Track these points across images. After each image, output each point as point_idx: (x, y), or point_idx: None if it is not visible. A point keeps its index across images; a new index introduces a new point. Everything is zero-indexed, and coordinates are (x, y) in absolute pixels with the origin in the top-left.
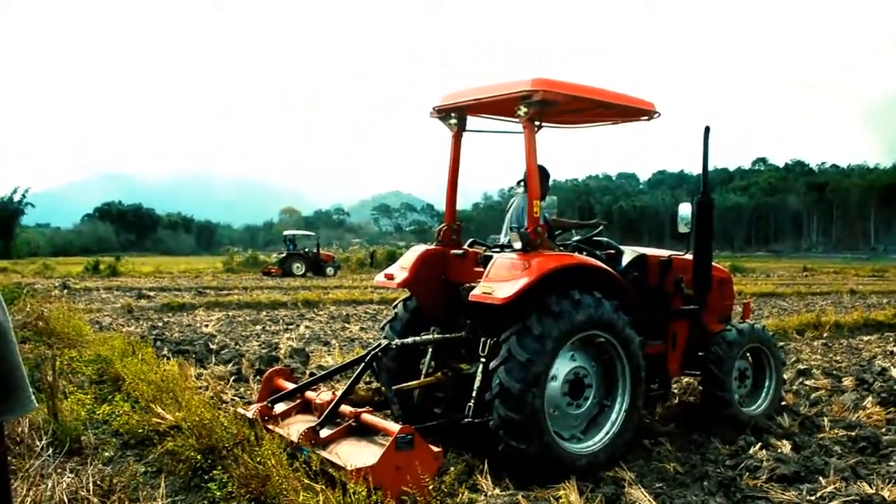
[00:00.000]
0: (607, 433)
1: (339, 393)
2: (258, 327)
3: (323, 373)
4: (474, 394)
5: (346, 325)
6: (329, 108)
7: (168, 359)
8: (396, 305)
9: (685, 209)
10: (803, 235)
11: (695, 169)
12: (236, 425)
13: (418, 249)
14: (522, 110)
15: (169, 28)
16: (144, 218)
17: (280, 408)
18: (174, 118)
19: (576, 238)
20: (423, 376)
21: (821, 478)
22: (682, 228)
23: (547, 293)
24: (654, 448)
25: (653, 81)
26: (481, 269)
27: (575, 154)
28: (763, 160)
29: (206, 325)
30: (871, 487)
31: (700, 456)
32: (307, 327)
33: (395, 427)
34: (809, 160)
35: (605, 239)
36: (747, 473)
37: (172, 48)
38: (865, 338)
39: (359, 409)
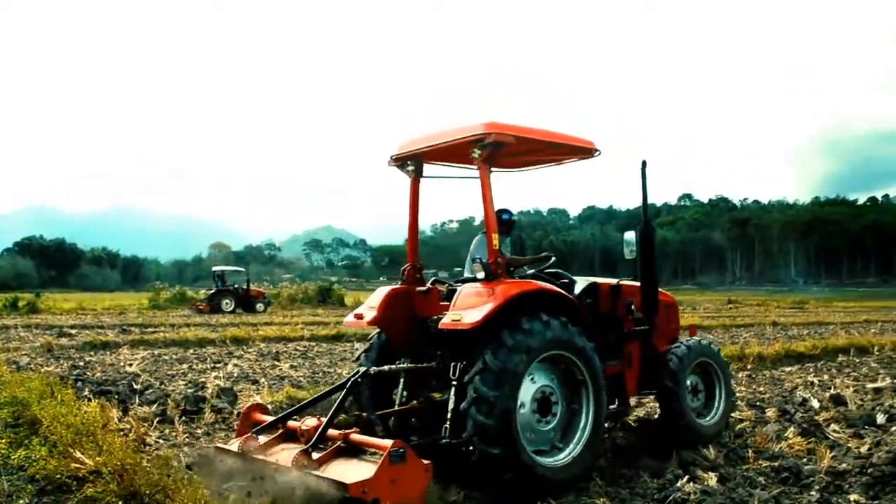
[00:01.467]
0: (576, 447)
1: (323, 419)
2: (185, 366)
3: (303, 402)
4: (449, 415)
5: (276, 363)
6: (262, 142)
7: (89, 400)
8: (371, 338)
9: (630, 236)
10: (727, 269)
11: (623, 204)
12: (160, 470)
13: (385, 289)
14: (477, 153)
15: (92, 56)
16: (67, 253)
17: (262, 439)
18: (102, 149)
19: (530, 272)
20: (396, 405)
21: None
22: (628, 255)
23: (514, 316)
24: (584, 484)
25: (585, 119)
26: (446, 303)
27: (507, 191)
28: (688, 196)
29: (131, 364)
30: None
31: (629, 490)
32: (236, 365)
33: (387, 443)
34: (732, 196)
35: (557, 270)
36: None
37: (99, 79)
38: (787, 369)
39: (346, 431)
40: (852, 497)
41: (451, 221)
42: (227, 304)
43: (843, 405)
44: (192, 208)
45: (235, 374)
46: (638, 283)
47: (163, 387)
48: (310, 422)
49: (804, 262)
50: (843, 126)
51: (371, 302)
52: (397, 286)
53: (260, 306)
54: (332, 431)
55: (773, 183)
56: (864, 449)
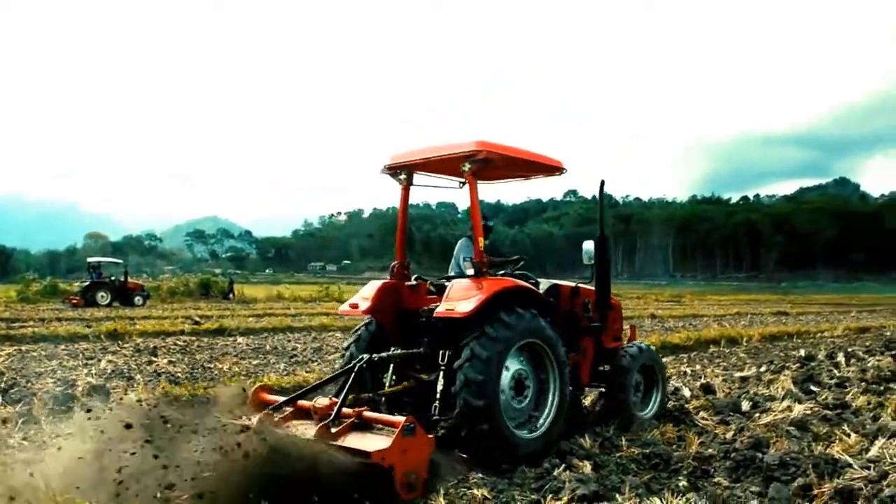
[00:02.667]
0: (545, 422)
1: (334, 399)
2: (54, 362)
3: (313, 384)
4: (438, 395)
5: (153, 359)
6: (143, 129)
7: None
8: (359, 329)
9: (589, 245)
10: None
11: (510, 199)
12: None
13: (377, 283)
14: (467, 167)
15: None
16: None
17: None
18: None
19: (503, 271)
20: (386, 387)
21: (617, 495)
22: (587, 261)
23: (496, 309)
24: (466, 475)
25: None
26: (433, 297)
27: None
28: (574, 192)
29: None
30: (662, 501)
31: (508, 480)
32: (110, 361)
33: (400, 418)
34: (616, 193)
35: (525, 272)
36: (551, 495)
37: None
38: (663, 360)
39: (359, 409)
40: (717, 479)
41: (339, 214)
42: (102, 296)
43: (712, 394)
44: (69, 196)
45: (109, 371)
46: (591, 287)
47: (29, 385)
48: (322, 401)
49: (682, 257)
50: (719, 130)
51: (365, 293)
52: (387, 280)
53: (138, 299)
54: (345, 409)
55: (656, 182)
56: (729, 435)
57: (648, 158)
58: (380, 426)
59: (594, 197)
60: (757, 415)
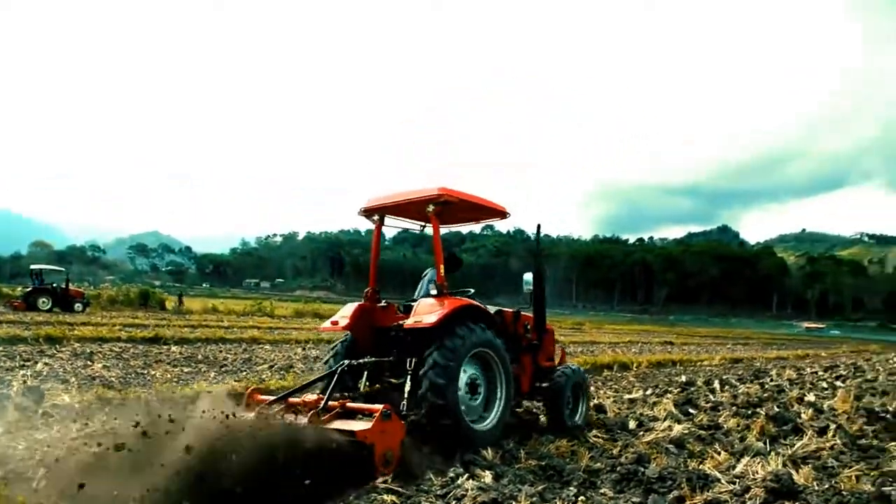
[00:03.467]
0: (494, 417)
1: (321, 395)
2: None
3: (301, 385)
4: (406, 395)
5: (90, 363)
6: (91, 144)
7: None
8: (336, 345)
9: (528, 276)
10: (521, 292)
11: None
12: None
13: (353, 305)
14: (431, 208)
15: None
16: None
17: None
18: None
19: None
20: (362, 389)
21: (514, 502)
22: (526, 290)
23: (454, 323)
24: (375, 482)
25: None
26: (402, 315)
27: (328, 210)
28: (490, 226)
29: None
30: None
31: (416, 487)
32: (46, 364)
33: (378, 406)
34: (527, 229)
35: (471, 297)
36: (455, 502)
37: None
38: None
39: (342, 401)
40: (603, 490)
41: (274, 235)
42: (43, 302)
43: (603, 413)
44: (17, 205)
45: (45, 374)
46: (530, 313)
47: None
48: (311, 396)
49: (585, 288)
50: (620, 177)
51: (344, 313)
52: (362, 303)
53: (78, 306)
54: (331, 402)
55: (564, 221)
56: (616, 451)
57: (556, 198)
58: (360, 415)
59: (509, 231)
60: (641, 433)
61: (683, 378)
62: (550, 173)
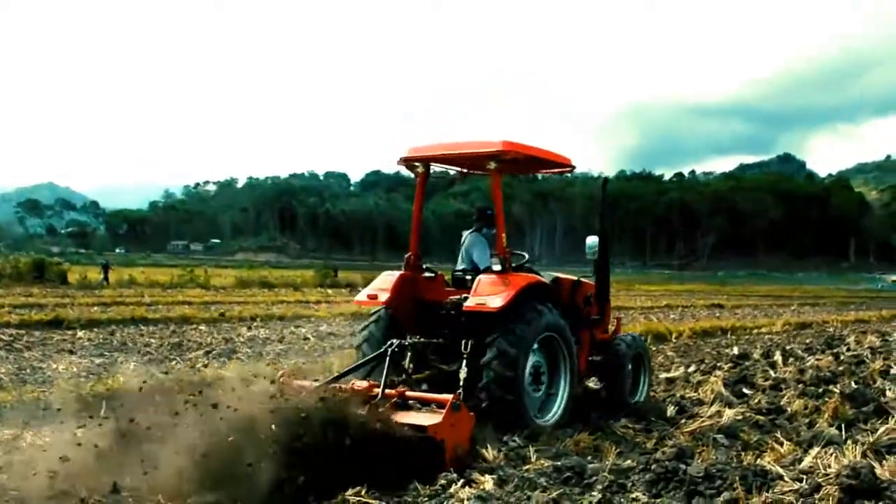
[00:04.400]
0: (558, 410)
1: (373, 382)
2: None
3: (347, 368)
4: (462, 384)
5: None
6: None
7: None
8: (369, 323)
9: (593, 241)
10: (526, 245)
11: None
12: None
13: (394, 275)
14: (493, 165)
15: None
16: None
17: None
18: None
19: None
20: (405, 374)
21: None
22: (590, 256)
23: (520, 304)
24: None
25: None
26: (452, 289)
27: (277, 148)
28: None
29: None
30: None
31: (398, 499)
32: None
33: (447, 396)
34: None
35: (529, 265)
36: None
37: None
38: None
39: (400, 389)
40: (634, 494)
41: (206, 183)
42: None
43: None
44: None
45: None
46: (590, 280)
47: None
48: (360, 383)
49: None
50: (650, 99)
51: (383, 285)
52: (403, 272)
53: None
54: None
55: (579, 154)
56: (650, 444)
57: (570, 127)
58: (418, 405)
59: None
60: (683, 421)
61: (736, 350)
62: (561, 91)
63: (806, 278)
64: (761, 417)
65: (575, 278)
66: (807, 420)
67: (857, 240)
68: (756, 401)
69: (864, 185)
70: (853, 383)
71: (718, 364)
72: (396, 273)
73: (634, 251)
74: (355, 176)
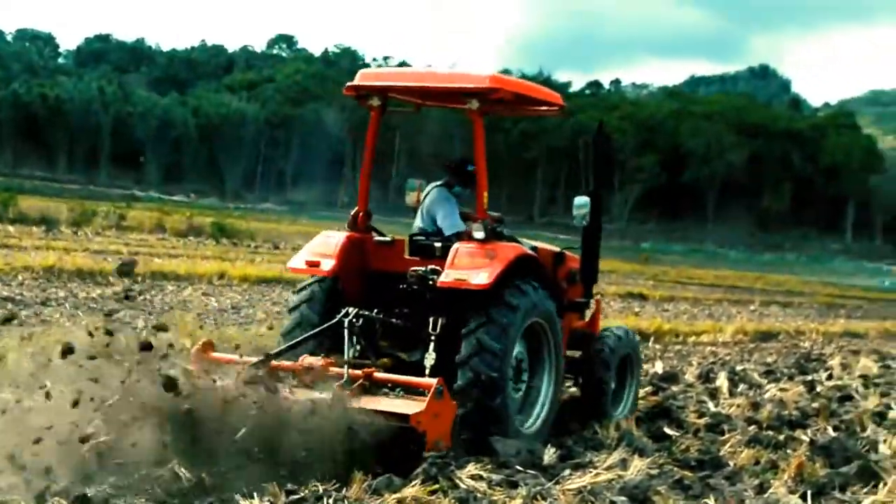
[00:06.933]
0: (540, 415)
1: (329, 359)
2: None
3: (290, 342)
4: (428, 373)
5: None
6: None
7: None
8: (306, 287)
9: (582, 200)
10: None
11: (130, 34)
12: None
13: (339, 236)
14: (475, 105)
15: None
16: None
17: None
18: None
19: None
20: (346, 355)
21: None
22: (578, 223)
23: (503, 283)
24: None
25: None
26: (415, 258)
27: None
28: (289, 39)
29: None
30: None
31: None
32: None
33: (429, 380)
34: (355, 45)
35: (501, 230)
36: None
37: None
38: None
39: (367, 370)
40: None
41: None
42: None
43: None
44: None
45: None
46: (577, 255)
47: None
48: (312, 360)
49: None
50: None
51: (325, 249)
52: (350, 233)
53: None
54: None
55: (446, 48)
56: None
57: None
58: (386, 389)
59: (326, 54)
60: (567, 473)
61: (659, 367)
62: None
63: (775, 262)
64: (688, 473)
65: (557, 249)
66: (756, 481)
67: (858, 208)
68: (682, 447)
69: (877, 124)
70: (831, 429)
71: None
72: (340, 234)
73: (514, 203)
74: (67, 42)
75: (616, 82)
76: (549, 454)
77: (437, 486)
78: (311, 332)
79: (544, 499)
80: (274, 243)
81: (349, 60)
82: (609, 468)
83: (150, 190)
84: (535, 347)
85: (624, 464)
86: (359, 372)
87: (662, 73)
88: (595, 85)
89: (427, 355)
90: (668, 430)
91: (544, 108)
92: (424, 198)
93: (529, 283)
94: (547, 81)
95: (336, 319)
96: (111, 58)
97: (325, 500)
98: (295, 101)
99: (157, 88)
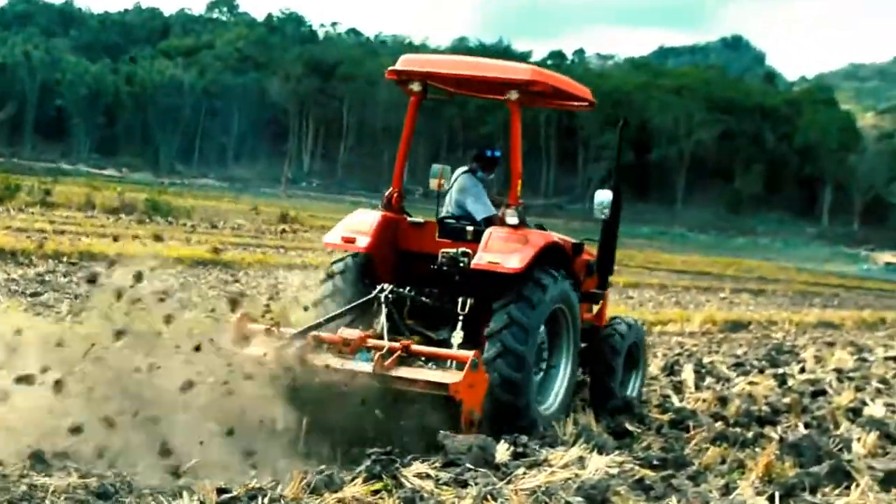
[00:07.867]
0: (557, 398)
1: (366, 332)
2: None
3: (329, 315)
4: (455, 349)
5: None
6: None
7: None
8: (343, 262)
9: (604, 195)
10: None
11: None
12: None
13: (375, 215)
14: (514, 95)
15: None
16: None
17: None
18: None
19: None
20: (382, 329)
21: None
22: (599, 215)
23: (534, 267)
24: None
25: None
26: (446, 241)
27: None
28: (233, 6)
29: None
30: None
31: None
32: None
33: (466, 353)
34: (301, 10)
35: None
36: None
37: None
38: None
39: (405, 342)
40: None
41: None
42: None
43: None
44: None
45: None
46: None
47: None
48: (350, 332)
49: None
50: None
51: (361, 226)
52: (385, 213)
53: None
54: (379, 342)
55: (384, 13)
56: None
57: None
58: (421, 361)
59: (271, 19)
60: (521, 472)
61: None
62: None
63: (748, 247)
64: (650, 473)
65: (575, 241)
66: (722, 481)
67: (835, 189)
68: (644, 444)
69: (855, 99)
70: (802, 426)
71: (587, 383)
72: (375, 213)
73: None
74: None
75: (579, 52)
76: (502, 451)
77: (380, 484)
78: (349, 306)
79: (495, 499)
80: (212, 222)
81: (294, 26)
82: (565, 466)
83: (79, 164)
84: (555, 332)
85: (581, 462)
86: (397, 344)
87: (629, 43)
88: (558, 56)
89: (455, 334)
90: (629, 427)
91: (576, 102)
92: (453, 183)
93: (557, 270)
94: (507, 52)
95: (373, 294)
96: (38, 20)
97: (259, 499)
98: (236, 69)
99: (88, 54)
